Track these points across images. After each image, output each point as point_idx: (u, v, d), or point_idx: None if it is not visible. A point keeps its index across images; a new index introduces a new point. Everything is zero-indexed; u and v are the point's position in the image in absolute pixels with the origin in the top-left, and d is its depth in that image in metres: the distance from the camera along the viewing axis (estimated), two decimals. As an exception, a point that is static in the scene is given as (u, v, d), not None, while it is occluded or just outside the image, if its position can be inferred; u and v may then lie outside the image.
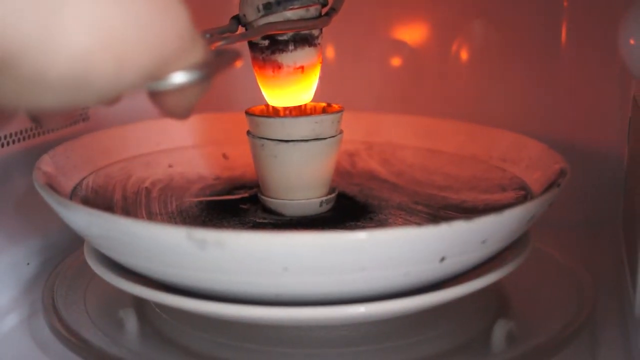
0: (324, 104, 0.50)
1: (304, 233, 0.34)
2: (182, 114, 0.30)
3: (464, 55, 0.67)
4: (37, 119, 0.28)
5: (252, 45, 0.47)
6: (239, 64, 0.31)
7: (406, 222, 0.47)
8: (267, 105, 0.49)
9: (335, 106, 0.49)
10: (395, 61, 0.69)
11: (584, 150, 0.62)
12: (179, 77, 0.27)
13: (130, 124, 0.56)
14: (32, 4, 0.21)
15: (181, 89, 0.27)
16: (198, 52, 0.27)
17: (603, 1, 0.59)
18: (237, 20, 0.46)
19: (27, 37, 0.21)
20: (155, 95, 0.28)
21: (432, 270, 0.36)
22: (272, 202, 0.48)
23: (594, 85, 0.62)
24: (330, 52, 0.71)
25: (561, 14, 0.62)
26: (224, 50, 0.34)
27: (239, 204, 0.50)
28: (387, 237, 0.34)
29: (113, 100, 0.28)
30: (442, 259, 0.35)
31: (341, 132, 0.48)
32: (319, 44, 0.47)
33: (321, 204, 0.48)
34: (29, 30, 0.21)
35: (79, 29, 0.22)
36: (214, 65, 0.28)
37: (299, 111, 0.49)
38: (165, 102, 0.28)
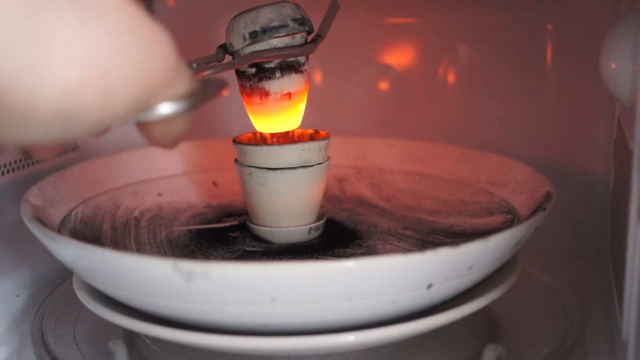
0: (311, 131, 0.50)
1: (290, 264, 0.34)
2: (169, 144, 0.30)
3: (451, 78, 0.67)
4: (27, 151, 0.29)
5: (239, 74, 0.47)
6: (225, 92, 0.31)
7: (395, 248, 0.47)
8: (254, 133, 0.50)
9: (323, 133, 0.49)
10: (383, 85, 0.70)
11: (571, 172, 0.63)
12: (165, 108, 0.27)
13: (118, 153, 0.56)
14: (18, 39, 0.21)
15: (168, 119, 0.28)
16: (184, 82, 0.28)
17: (586, 24, 0.60)
18: (224, 49, 0.46)
19: (15, 72, 0.21)
20: (143, 126, 0.28)
21: (420, 297, 0.36)
22: (260, 230, 0.48)
23: (580, 107, 0.62)
24: (318, 76, 0.71)
25: (545, 37, 0.62)
26: (210, 79, 0.34)
27: (228, 232, 0.50)
28: (374, 265, 0.34)
29: (102, 131, 0.28)
30: (429, 286, 0.35)
31: (329, 158, 0.48)
32: (305, 70, 0.47)
33: (310, 230, 0.48)
34: (16, 65, 0.21)
35: (66, 64, 0.22)
36: (200, 95, 0.28)
37: (287, 139, 0.49)
38: (152, 132, 0.29)
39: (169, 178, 0.58)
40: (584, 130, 0.62)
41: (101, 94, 0.23)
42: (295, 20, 0.45)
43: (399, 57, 0.69)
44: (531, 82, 0.64)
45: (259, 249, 0.47)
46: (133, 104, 0.25)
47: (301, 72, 0.47)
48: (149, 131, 0.29)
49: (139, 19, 0.25)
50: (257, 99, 0.47)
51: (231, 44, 0.46)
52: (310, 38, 0.47)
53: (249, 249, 0.47)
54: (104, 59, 0.23)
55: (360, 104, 0.70)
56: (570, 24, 0.62)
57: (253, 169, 0.47)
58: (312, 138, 0.50)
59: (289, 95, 0.47)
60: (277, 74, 0.46)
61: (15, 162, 0.53)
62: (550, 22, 0.62)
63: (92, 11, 0.23)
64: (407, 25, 0.69)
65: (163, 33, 0.26)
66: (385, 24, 0.69)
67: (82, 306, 0.41)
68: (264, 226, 0.48)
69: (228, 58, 0.46)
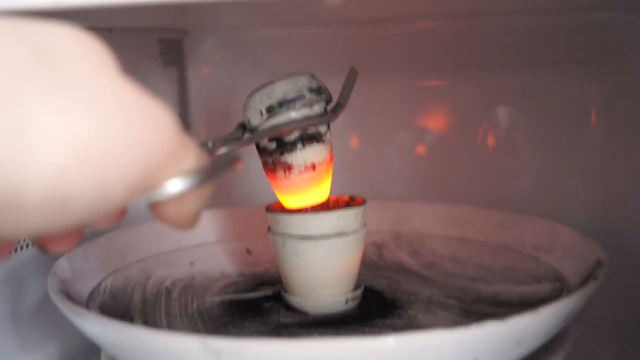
0: (347, 198, 0.48)
1: (326, 341, 0.32)
2: (186, 224, 0.28)
3: (491, 140, 0.65)
4: (41, 245, 0.27)
5: (261, 151, 0.46)
6: (239, 165, 0.29)
7: (437, 319, 0.44)
8: (288, 201, 0.48)
9: (359, 199, 0.48)
10: (421, 149, 0.68)
11: (623, 233, 0.59)
12: (173, 186, 0.25)
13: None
14: None
15: (180, 197, 0.26)
16: (190, 157, 0.26)
17: (633, 82, 0.58)
18: (243, 127, 0.45)
19: None
20: (155, 207, 0.27)
21: (465, 374, 0.33)
22: (295, 301, 0.46)
23: (628, 166, 0.60)
24: (354, 141, 0.70)
25: (590, 97, 0.60)
26: (223, 154, 0.32)
27: (262, 303, 0.48)
28: (416, 342, 0.32)
29: (113, 216, 0.27)
30: (476, 363, 0.33)
31: (366, 226, 0.46)
32: (328, 140, 0.46)
33: (347, 301, 0.46)
34: None
35: (50, 145, 0.21)
36: (211, 169, 0.27)
37: (321, 206, 0.48)
38: (166, 214, 0.27)
39: (202, 246, 0.57)
40: (635, 189, 0.59)
41: (94, 175, 0.22)
42: (311, 90, 0.44)
43: (436, 120, 0.68)
44: (575, 142, 0.62)
45: (294, 321, 0.45)
46: (133, 183, 0.23)
47: (324, 142, 0.45)
48: (162, 213, 0.27)
49: (131, 95, 0.23)
50: (281, 174, 0.45)
51: (249, 121, 0.45)
52: (330, 107, 0.46)
53: (284, 320, 0.45)
54: (92, 137, 0.22)
55: (397, 168, 0.68)
56: (615, 83, 0.59)
57: (286, 238, 0.45)
58: (348, 205, 0.48)
59: (314, 167, 0.45)
60: (299, 146, 0.45)
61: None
62: (595, 83, 0.60)
63: (77, 91, 0.22)
64: (442, 87, 0.68)
65: (162, 108, 0.24)
66: (421, 87, 0.68)
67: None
68: (299, 297, 0.46)
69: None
